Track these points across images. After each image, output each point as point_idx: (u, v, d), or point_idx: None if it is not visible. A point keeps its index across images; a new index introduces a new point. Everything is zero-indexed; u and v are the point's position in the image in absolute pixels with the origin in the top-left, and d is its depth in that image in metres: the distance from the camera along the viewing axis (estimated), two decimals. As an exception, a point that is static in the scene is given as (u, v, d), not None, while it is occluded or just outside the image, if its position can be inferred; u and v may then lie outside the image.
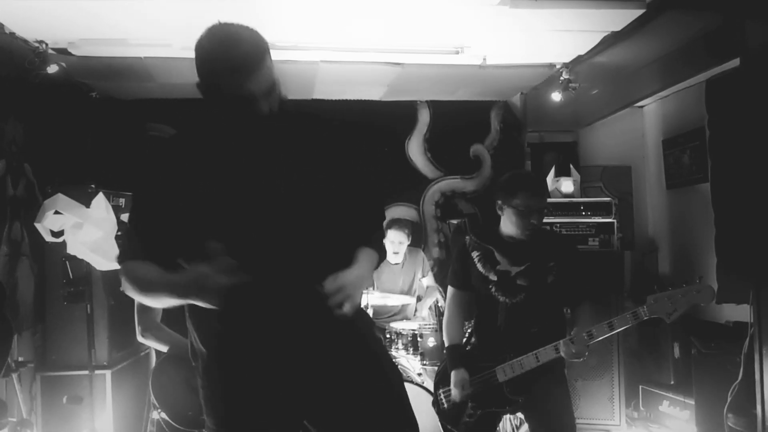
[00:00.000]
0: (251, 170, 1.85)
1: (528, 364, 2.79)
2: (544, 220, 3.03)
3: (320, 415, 1.94)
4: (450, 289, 3.12)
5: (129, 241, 1.93)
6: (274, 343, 1.86)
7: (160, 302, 1.83)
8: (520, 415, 4.20)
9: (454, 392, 2.90)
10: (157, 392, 3.14)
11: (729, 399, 3.37)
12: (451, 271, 3.14)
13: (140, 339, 3.34)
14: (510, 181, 2.91)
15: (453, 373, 2.92)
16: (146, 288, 1.80)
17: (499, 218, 2.97)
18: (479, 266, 2.93)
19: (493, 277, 2.89)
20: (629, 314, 2.71)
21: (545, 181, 3.05)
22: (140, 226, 1.87)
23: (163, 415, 3.11)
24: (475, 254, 2.97)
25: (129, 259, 1.85)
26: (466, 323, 3.22)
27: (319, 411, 1.93)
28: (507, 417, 4.06)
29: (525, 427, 4.17)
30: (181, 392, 3.09)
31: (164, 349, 3.25)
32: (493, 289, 2.89)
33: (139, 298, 1.90)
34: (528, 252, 2.88)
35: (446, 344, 3.07)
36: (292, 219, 1.84)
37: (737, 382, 3.35)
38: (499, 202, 2.91)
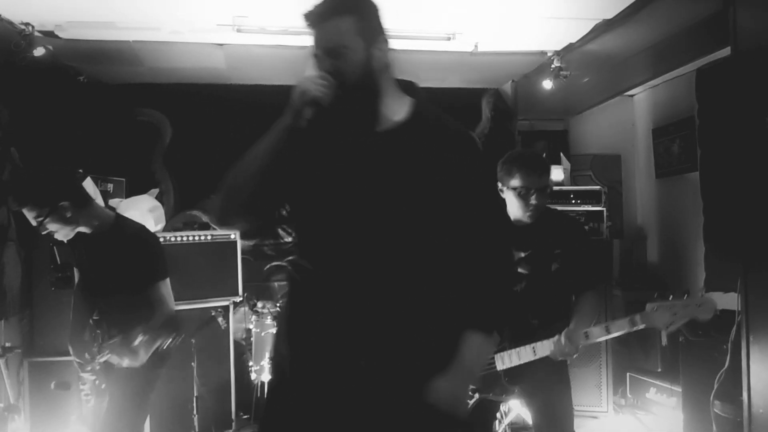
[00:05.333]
0: (347, 163, 1.73)
1: (525, 356, 2.68)
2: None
3: None
4: None
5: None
6: (338, 368, 1.70)
7: (263, 162, 1.71)
8: (509, 403, 4.23)
9: None
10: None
11: (716, 386, 3.40)
12: None
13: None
14: (507, 161, 2.79)
15: None
16: (251, 160, 1.72)
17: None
18: None
19: None
20: (627, 320, 2.56)
21: (545, 158, 2.90)
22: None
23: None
24: None
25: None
26: None
27: None
28: (497, 414, 4.09)
29: (513, 413, 4.20)
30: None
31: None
32: None
33: (234, 189, 1.75)
34: (533, 237, 2.74)
35: None
36: (374, 223, 1.68)
37: (724, 369, 3.37)
38: (499, 184, 2.77)
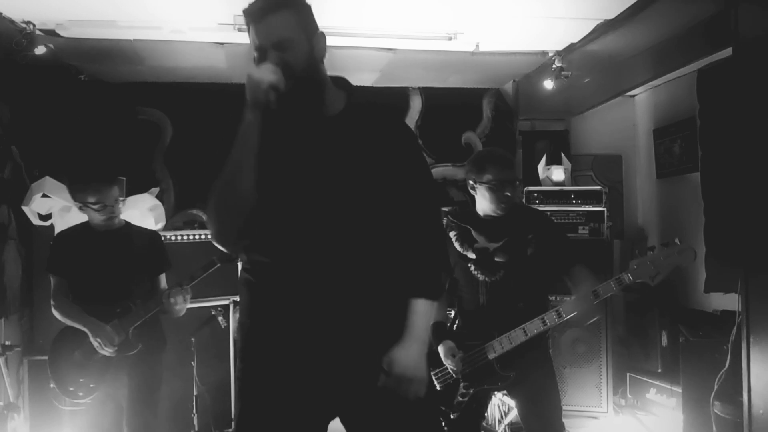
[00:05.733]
0: (298, 152, 1.80)
1: (516, 339, 2.78)
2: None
3: (350, 414, 1.86)
4: None
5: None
6: (299, 340, 1.77)
7: (240, 166, 1.73)
8: (508, 401, 4.23)
9: (448, 363, 2.87)
10: (51, 362, 3.25)
11: (716, 387, 3.40)
12: None
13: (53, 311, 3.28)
14: (478, 158, 2.94)
15: (440, 347, 2.90)
16: (230, 168, 1.74)
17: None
18: (457, 245, 2.93)
19: (471, 255, 2.89)
20: (613, 281, 2.70)
21: (510, 154, 3.17)
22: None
23: (54, 387, 3.23)
24: (452, 234, 2.96)
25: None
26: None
27: (349, 410, 1.85)
28: (496, 404, 4.08)
29: (513, 413, 4.20)
30: (69, 365, 3.19)
31: (61, 318, 3.23)
32: (472, 268, 2.90)
33: (219, 199, 1.78)
34: (505, 227, 2.88)
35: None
36: (329, 210, 1.76)
37: (724, 370, 3.37)
38: (471, 181, 2.92)
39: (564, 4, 3.48)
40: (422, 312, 1.82)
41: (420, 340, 1.81)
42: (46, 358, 3.29)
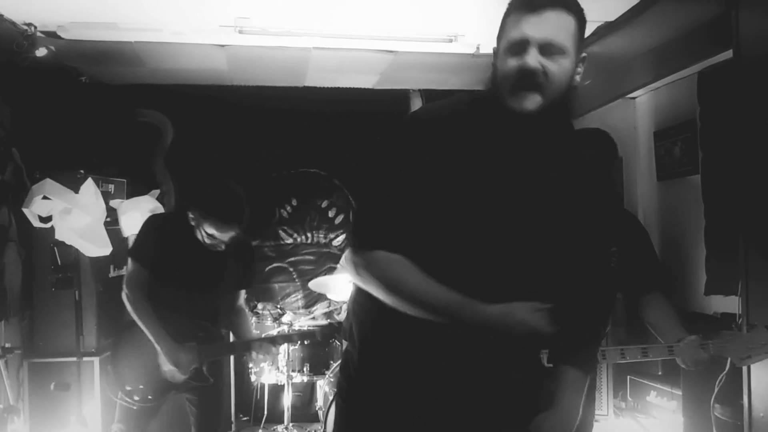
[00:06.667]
0: (496, 180, 1.52)
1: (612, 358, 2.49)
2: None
3: None
4: None
5: (375, 224, 1.54)
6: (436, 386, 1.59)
7: (413, 311, 1.49)
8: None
9: None
10: (115, 352, 3.09)
11: (716, 389, 3.39)
12: None
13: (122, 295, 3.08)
14: None
15: None
16: (404, 294, 1.48)
17: None
18: None
19: None
20: (696, 341, 2.43)
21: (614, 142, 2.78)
22: (390, 210, 1.51)
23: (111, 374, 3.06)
24: None
25: (378, 248, 1.50)
26: None
27: None
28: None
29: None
30: (133, 364, 3.03)
31: (130, 311, 3.03)
32: None
33: (383, 297, 1.53)
34: None
35: None
36: (514, 251, 1.53)
37: (724, 372, 3.36)
38: None
39: (564, 6, 3.48)
40: (573, 382, 1.64)
41: (570, 414, 1.63)
42: (46, 360, 3.27)
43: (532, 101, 1.44)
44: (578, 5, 1.51)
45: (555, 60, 1.44)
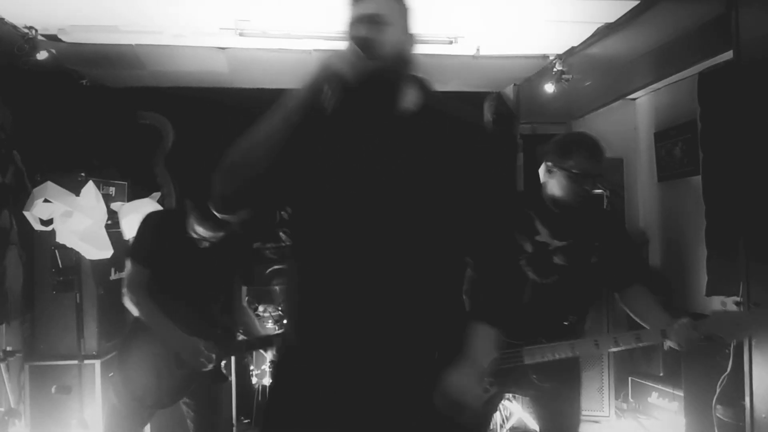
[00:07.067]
0: (359, 155, 1.67)
1: (561, 352, 2.49)
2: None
3: None
4: None
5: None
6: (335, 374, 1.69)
7: (268, 146, 1.65)
8: (510, 407, 4.21)
9: None
10: (122, 361, 2.96)
11: (718, 390, 3.39)
12: None
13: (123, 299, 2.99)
14: (565, 140, 2.62)
15: None
16: (253, 142, 1.67)
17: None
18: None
19: (528, 248, 2.56)
20: (689, 323, 2.36)
21: (603, 144, 2.82)
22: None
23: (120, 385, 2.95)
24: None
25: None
26: None
27: None
28: (498, 407, 4.07)
29: (515, 418, 4.19)
30: (144, 371, 2.90)
31: (137, 314, 2.94)
32: (523, 262, 2.55)
33: (242, 169, 1.70)
34: (573, 226, 2.57)
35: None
36: (387, 222, 1.64)
37: (726, 373, 3.36)
38: (549, 163, 2.57)
39: (564, 7, 3.48)
40: (483, 335, 1.72)
41: (478, 365, 1.70)
42: (47, 363, 3.24)
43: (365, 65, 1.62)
44: None
45: (378, 27, 1.65)
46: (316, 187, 1.69)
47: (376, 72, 1.62)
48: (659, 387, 4.36)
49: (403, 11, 1.73)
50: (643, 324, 2.55)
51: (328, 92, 1.62)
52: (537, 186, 2.68)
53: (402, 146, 1.68)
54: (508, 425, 4.07)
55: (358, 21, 1.67)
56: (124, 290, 2.94)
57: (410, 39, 1.74)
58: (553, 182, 2.58)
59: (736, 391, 3.19)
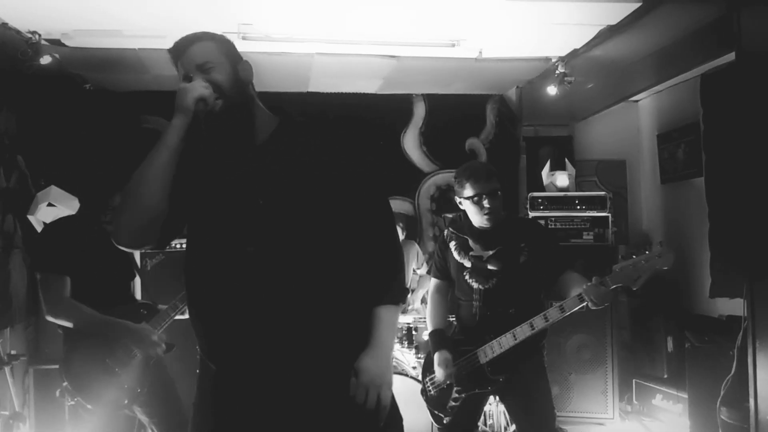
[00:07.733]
0: (228, 183, 1.81)
1: (506, 343, 2.83)
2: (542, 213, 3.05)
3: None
4: (432, 279, 3.24)
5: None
6: (266, 393, 1.75)
7: (159, 166, 1.80)
8: (487, 409, 4.21)
9: (438, 372, 2.95)
10: (71, 377, 2.87)
11: (722, 392, 3.39)
12: (432, 262, 3.29)
13: (49, 318, 2.89)
14: (458, 174, 2.99)
15: (436, 355, 2.99)
16: (142, 173, 1.81)
17: None
18: (455, 254, 3.03)
19: (468, 264, 2.98)
20: (598, 283, 2.63)
21: (490, 165, 3.32)
22: None
23: (79, 399, 2.87)
24: (452, 244, 3.06)
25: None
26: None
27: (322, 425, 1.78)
28: (501, 411, 4.07)
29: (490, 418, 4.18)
30: (97, 374, 2.85)
31: (72, 325, 2.86)
32: (467, 276, 2.98)
33: (132, 200, 1.82)
34: (498, 237, 2.94)
35: (429, 330, 3.16)
36: (270, 239, 1.74)
37: (730, 375, 3.36)
38: (456, 198, 2.99)
39: (567, 10, 3.49)
40: (386, 318, 1.82)
41: (386, 346, 1.81)
42: (52, 367, 3.23)
43: (213, 100, 1.79)
44: (207, 34, 1.91)
45: (212, 72, 1.82)
46: (199, 206, 1.84)
47: (223, 110, 1.78)
48: (663, 389, 4.35)
49: (222, 50, 1.89)
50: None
51: (201, 111, 1.76)
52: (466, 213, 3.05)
53: (259, 172, 1.80)
54: (512, 428, 4.06)
55: (192, 74, 1.82)
56: (47, 308, 2.84)
57: (242, 71, 1.91)
58: (467, 210, 2.98)
59: (740, 392, 3.19)
